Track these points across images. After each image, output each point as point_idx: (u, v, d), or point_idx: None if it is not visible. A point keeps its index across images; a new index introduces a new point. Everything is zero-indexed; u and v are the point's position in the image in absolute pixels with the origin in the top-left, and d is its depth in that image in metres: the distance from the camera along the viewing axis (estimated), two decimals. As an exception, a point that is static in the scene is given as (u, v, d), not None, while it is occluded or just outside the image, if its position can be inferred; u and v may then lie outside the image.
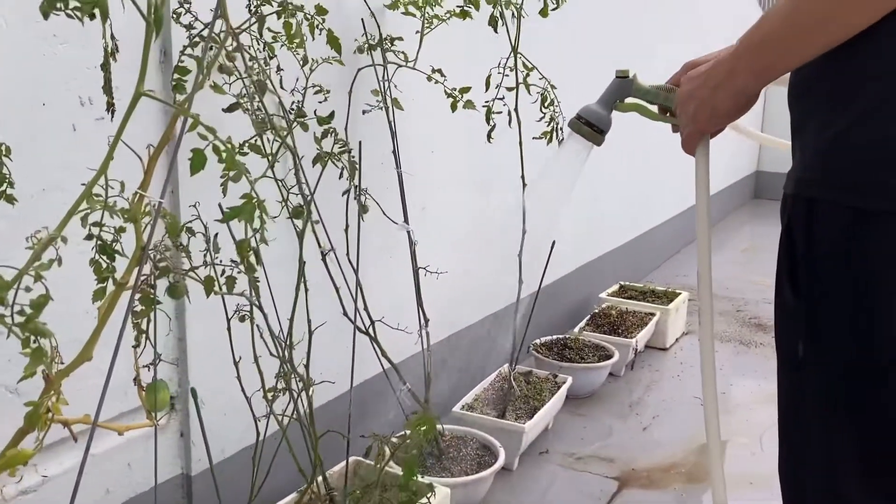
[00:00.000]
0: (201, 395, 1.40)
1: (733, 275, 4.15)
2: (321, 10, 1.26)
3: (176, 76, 1.04)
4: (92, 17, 0.70)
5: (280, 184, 1.33)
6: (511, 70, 1.89)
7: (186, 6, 1.32)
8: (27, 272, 0.72)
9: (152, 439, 1.53)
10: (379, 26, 1.82)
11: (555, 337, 2.79)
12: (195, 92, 0.96)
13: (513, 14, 1.83)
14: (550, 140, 1.99)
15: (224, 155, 0.78)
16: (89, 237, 0.91)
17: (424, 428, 1.25)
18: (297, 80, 1.54)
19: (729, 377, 2.88)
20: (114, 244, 0.89)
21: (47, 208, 1.25)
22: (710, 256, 1.11)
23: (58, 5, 0.66)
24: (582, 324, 2.97)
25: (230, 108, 1.13)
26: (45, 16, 0.69)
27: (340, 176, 1.57)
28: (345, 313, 1.75)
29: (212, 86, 1.09)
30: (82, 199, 0.79)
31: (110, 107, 1.08)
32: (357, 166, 1.50)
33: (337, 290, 1.70)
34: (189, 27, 1.28)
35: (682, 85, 1.04)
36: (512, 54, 1.88)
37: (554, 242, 2.35)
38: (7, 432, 1.27)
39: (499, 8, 1.75)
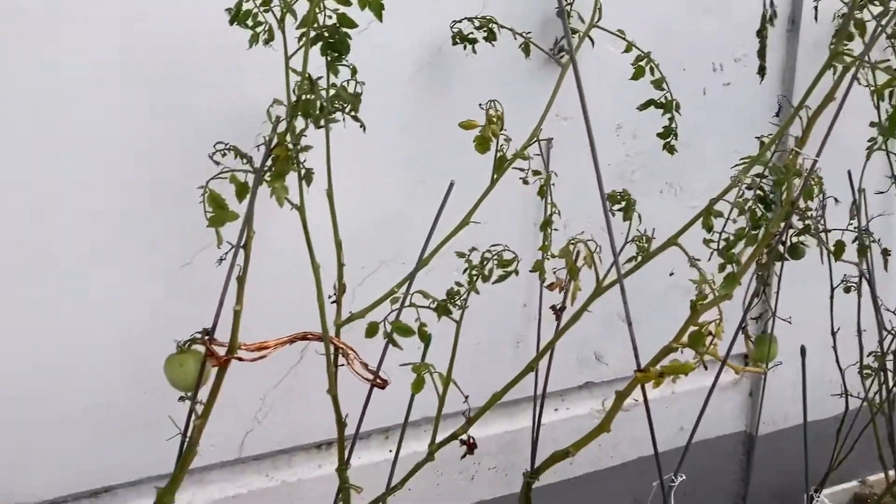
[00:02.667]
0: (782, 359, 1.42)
1: None
2: None
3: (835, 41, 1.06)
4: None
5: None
6: None
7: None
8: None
9: (723, 392, 1.62)
10: None
11: None
12: (865, 54, 0.96)
13: None
14: None
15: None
16: (748, 187, 0.99)
17: None
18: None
19: None
20: (770, 196, 0.96)
21: (678, 162, 1.37)
22: None
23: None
24: None
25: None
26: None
27: None
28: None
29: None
30: (763, 152, 0.86)
31: (762, 70, 1.15)
32: None
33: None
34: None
35: None
36: None
37: None
38: (620, 353, 1.48)
39: None
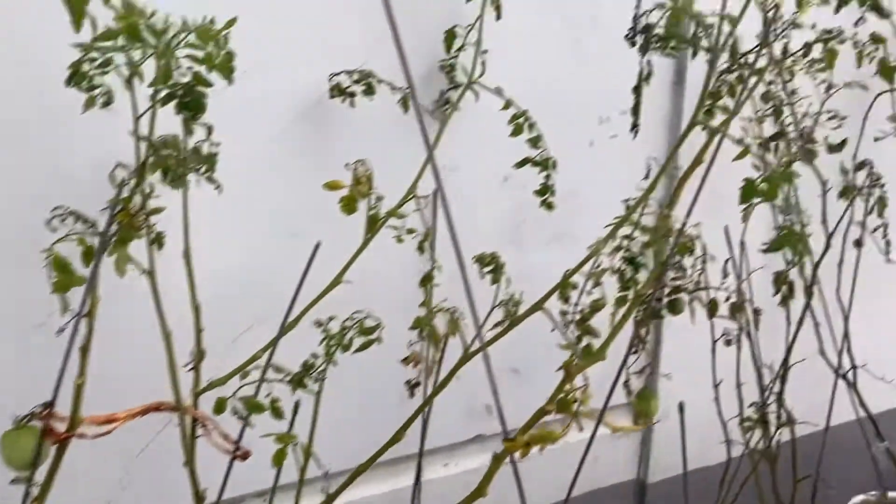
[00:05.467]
0: (664, 409, 1.44)
1: None
2: (878, 40, 1.19)
3: (709, 102, 1.07)
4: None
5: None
6: None
7: (707, 31, 1.35)
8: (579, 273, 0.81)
9: (617, 440, 1.62)
10: None
11: None
12: (732, 118, 0.98)
13: None
14: None
15: (771, 184, 0.79)
16: (617, 249, 0.99)
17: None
18: (810, 104, 1.48)
19: None
20: (639, 258, 0.96)
21: (566, 212, 1.36)
22: None
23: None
24: None
25: (774, 138, 1.14)
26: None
27: (869, 211, 1.47)
28: (822, 352, 1.63)
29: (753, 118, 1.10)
30: (628, 215, 0.86)
31: (635, 128, 1.17)
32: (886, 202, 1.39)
33: (817, 326, 1.60)
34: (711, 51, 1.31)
35: None
36: None
37: None
38: (513, 404, 1.46)
39: None
